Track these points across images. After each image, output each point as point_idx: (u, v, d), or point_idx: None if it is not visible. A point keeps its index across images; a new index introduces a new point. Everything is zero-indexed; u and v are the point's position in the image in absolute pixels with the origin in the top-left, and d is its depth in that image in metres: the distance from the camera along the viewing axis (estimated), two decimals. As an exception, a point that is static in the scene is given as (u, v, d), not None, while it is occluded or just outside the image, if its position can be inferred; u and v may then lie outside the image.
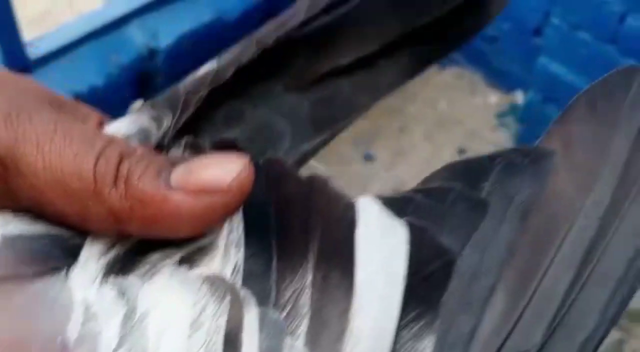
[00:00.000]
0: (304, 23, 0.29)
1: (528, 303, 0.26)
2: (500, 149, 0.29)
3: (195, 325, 0.23)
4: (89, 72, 1.19)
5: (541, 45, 1.38)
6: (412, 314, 0.25)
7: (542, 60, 1.35)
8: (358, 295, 0.24)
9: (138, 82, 1.24)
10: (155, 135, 0.28)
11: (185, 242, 0.25)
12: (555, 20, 1.29)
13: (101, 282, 0.24)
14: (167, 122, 0.28)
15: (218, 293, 0.24)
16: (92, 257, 0.25)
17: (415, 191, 0.28)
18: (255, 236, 0.26)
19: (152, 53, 1.24)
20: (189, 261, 0.25)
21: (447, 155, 1.47)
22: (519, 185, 0.27)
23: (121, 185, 0.24)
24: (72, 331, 0.23)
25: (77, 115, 0.28)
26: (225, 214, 0.25)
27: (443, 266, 0.26)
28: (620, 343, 1.24)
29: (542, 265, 0.26)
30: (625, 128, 0.28)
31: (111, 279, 0.24)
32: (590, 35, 1.26)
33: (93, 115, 0.30)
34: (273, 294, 0.25)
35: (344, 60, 0.30)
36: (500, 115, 1.55)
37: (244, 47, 0.30)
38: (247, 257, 0.25)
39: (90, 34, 1.19)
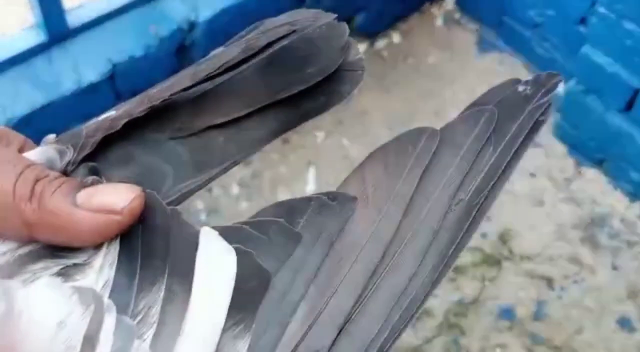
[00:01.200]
0: (188, 88, 0.36)
1: (321, 312, 0.33)
2: (314, 193, 0.37)
3: (61, 325, 0.29)
4: (127, 43, 1.19)
5: (585, 34, 1.35)
6: (234, 320, 0.32)
7: (586, 49, 1.32)
8: (193, 304, 0.32)
9: (176, 54, 1.24)
10: (59, 165, 0.34)
11: (64, 258, 0.32)
12: (601, 9, 1.26)
13: None
14: (69, 156, 0.34)
15: (86, 302, 0.30)
16: None
17: (244, 223, 0.35)
18: (127, 257, 0.32)
19: (191, 25, 1.24)
20: (65, 274, 0.31)
21: (483, 142, 1.45)
22: (327, 222, 0.35)
23: (35, 200, 0.31)
24: None
25: (2, 141, 0.35)
26: (118, 230, 0.32)
27: (261, 282, 0.33)
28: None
29: (335, 283, 0.34)
30: (409, 175, 0.37)
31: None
32: (637, 26, 1.23)
33: (17, 140, 0.36)
34: (131, 305, 0.31)
35: (218, 120, 0.37)
36: (539, 104, 1.52)
37: (138, 101, 0.36)
38: (117, 274, 0.32)
39: (131, 4, 1.19)
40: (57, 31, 1.14)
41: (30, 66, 1.14)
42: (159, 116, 0.36)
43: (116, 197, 0.32)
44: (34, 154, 0.35)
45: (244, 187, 1.37)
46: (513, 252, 1.33)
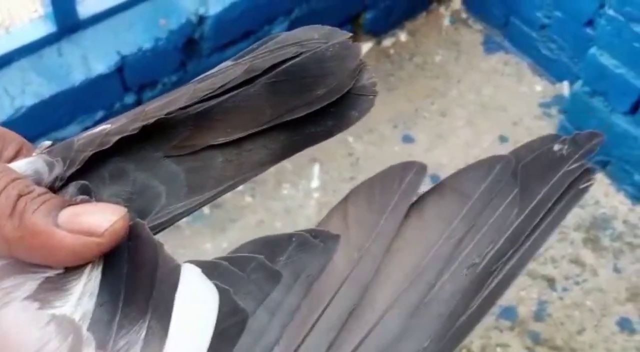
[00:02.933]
0: (185, 107, 0.34)
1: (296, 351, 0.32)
2: (297, 230, 0.35)
3: None
4: (137, 35, 1.20)
5: (593, 36, 1.35)
6: None
7: (593, 51, 1.32)
8: (169, 343, 0.30)
9: (185, 47, 1.24)
10: (47, 178, 0.33)
11: (37, 273, 0.30)
12: (609, 11, 1.27)
13: None
14: (58, 169, 0.33)
15: (63, 332, 0.29)
16: None
17: (223, 258, 0.34)
18: (109, 288, 0.31)
19: (200, 19, 1.24)
20: (42, 300, 0.30)
21: (487, 142, 1.46)
22: (308, 261, 0.34)
23: (16, 218, 0.30)
24: None
25: None
26: (98, 253, 0.31)
27: (237, 322, 0.32)
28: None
29: (310, 323, 0.33)
30: (393, 213, 0.36)
31: None
32: (645, 29, 1.23)
33: (14, 142, 0.35)
34: (111, 341, 0.30)
35: (219, 139, 0.35)
36: (545, 105, 1.52)
37: (133, 116, 0.34)
38: (98, 306, 0.30)
39: (141, -4, 1.20)
40: (67, 22, 1.14)
41: (39, 57, 1.14)
42: (156, 132, 0.34)
43: (99, 218, 0.31)
44: (24, 164, 0.33)
45: (248, 183, 1.37)
46: (515, 252, 1.34)
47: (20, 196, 0.30)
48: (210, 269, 0.33)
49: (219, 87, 0.34)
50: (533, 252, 0.36)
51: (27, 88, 1.12)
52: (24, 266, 0.31)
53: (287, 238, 0.35)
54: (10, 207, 0.30)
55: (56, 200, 0.31)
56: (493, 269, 0.34)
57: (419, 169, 0.37)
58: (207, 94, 0.34)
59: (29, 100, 1.11)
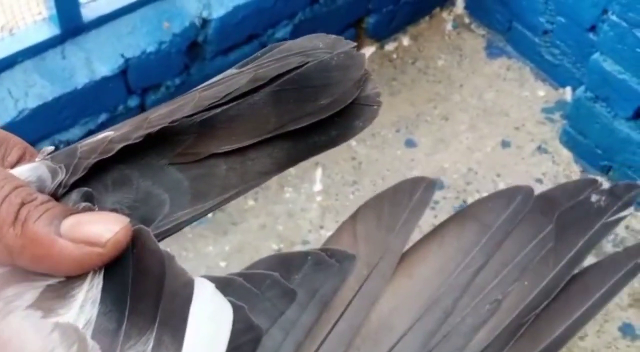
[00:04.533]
0: (190, 115, 0.34)
1: None
2: (312, 249, 0.35)
3: None
4: (141, 38, 1.20)
5: (596, 42, 1.35)
6: None
7: (596, 57, 1.32)
8: None
9: (188, 50, 1.25)
10: (50, 185, 0.33)
11: (37, 281, 0.30)
12: (612, 17, 1.27)
13: None
14: (61, 176, 0.33)
15: (68, 341, 0.29)
16: None
17: (237, 274, 0.34)
18: (113, 296, 0.30)
19: (204, 23, 1.25)
20: (44, 308, 0.30)
21: (490, 147, 1.46)
22: (324, 279, 0.34)
23: (18, 226, 0.30)
24: None
25: (0, 148, 0.34)
26: (100, 263, 0.31)
27: (252, 339, 0.32)
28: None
29: (320, 338, 0.33)
30: (402, 228, 0.36)
31: None
32: (648, 35, 1.24)
33: (17, 146, 0.35)
34: (118, 350, 0.29)
35: (223, 147, 0.35)
36: (547, 110, 1.52)
37: (137, 124, 0.34)
38: (102, 314, 0.30)
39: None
40: (71, 25, 1.15)
41: (43, 59, 1.14)
42: (160, 139, 0.34)
43: (101, 227, 0.31)
44: (27, 170, 0.33)
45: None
46: (517, 257, 1.34)
47: (22, 204, 0.30)
48: (224, 284, 0.33)
49: (224, 96, 0.34)
50: (586, 321, 0.35)
51: (31, 90, 1.12)
52: (25, 274, 0.30)
53: (303, 256, 0.35)
54: (12, 216, 0.30)
55: (58, 208, 0.31)
56: (525, 320, 0.34)
57: (428, 185, 0.37)
58: (212, 103, 0.34)
59: (32, 103, 1.11)
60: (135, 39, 1.19)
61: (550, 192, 0.37)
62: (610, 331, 1.27)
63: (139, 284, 0.31)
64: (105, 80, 1.16)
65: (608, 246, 1.36)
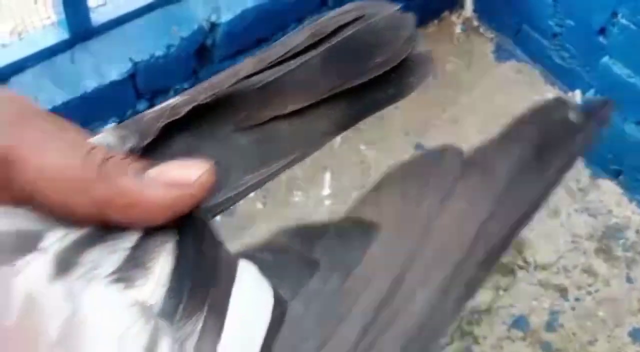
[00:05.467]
0: (252, 75, 0.34)
1: (325, 343, 0.31)
2: (335, 219, 0.34)
3: (121, 339, 0.28)
4: (149, 42, 1.20)
5: (605, 45, 1.34)
6: None
7: (606, 60, 1.32)
8: (224, 337, 0.30)
9: (197, 54, 1.25)
10: (121, 151, 0.33)
11: (116, 241, 0.30)
12: (622, 20, 1.26)
13: (52, 279, 0.28)
14: (132, 142, 0.33)
15: (144, 318, 0.29)
16: (46, 253, 0.29)
17: (261, 248, 0.34)
18: (178, 276, 0.31)
19: (212, 27, 1.25)
20: (124, 279, 0.30)
21: (499, 150, 1.45)
22: (345, 250, 0.33)
23: (105, 180, 0.30)
24: (11, 317, 0.26)
25: (64, 126, 0.33)
26: (191, 205, 0.31)
27: (279, 314, 0.31)
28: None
29: (344, 315, 0.32)
30: (427, 200, 0.34)
31: (61, 277, 0.28)
32: (658, 38, 1.23)
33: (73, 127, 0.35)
34: (174, 328, 0.29)
35: (285, 110, 0.35)
36: (557, 114, 1.52)
37: (202, 88, 0.35)
38: (166, 296, 0.30)
39: (153, 3, 1.20)
40: (80, 29, 1.15)
41: (52, 64, 1.15)
42: (223, 105, 0.34)
43: (186, 171, 0.31)
44: (95, 139, 0.33)
45: (260, 190, 1.37)
46: (527, 262, 1.33)
47: (105, 159, 0.30)
48: (248, 257, 0.33)
49: (287, 52, 0.35)
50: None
51: (40, 95, 1.12)
52: (103, 235, 0.30)
53: (324, 227, 0.35)
54: (97, 171, 0.30)
55: (139, 163, 0.32)
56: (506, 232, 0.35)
57: (456, 154, 0.37)
58: (275, 59, 0.35)
59: (41, 107, 1.12)
60: (144, 43, 1.19)
61: (523, 116, 0.38)
62: (620, 336, 1.26)
63: (198, 267, 0.31)
64: (114, 84, 1.17)
65: (618, 250, 1.35)
